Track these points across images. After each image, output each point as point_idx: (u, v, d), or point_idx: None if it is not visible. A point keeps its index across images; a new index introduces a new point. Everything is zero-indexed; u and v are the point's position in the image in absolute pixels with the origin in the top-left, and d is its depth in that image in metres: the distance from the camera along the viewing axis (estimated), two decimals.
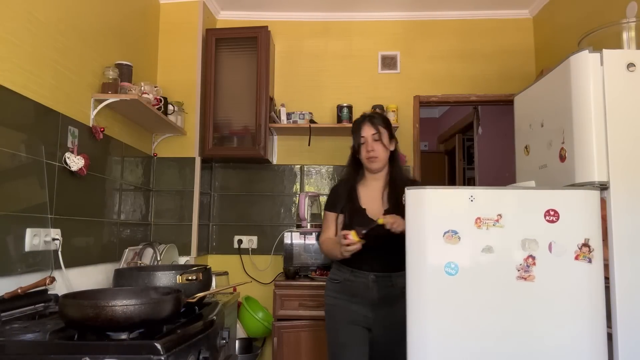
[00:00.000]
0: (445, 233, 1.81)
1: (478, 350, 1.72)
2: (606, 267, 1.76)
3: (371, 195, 2.06)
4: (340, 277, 2.04)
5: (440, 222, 1.80)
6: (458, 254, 1.78)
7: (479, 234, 1.78)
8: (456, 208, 1.81)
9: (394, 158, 2.11)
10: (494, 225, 1.81)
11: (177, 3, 3.11)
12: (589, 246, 1.73)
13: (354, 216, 2.00)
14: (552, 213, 1.78)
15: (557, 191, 1.81)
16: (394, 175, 2.08)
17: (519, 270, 1.77)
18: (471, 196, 1.80)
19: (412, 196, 1.81)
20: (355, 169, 2.11)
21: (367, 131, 2.04)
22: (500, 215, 1.80)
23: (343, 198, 2.07)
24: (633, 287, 1.70)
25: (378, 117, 2.09)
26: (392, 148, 2.09)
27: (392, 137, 2.09)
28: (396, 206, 1.95)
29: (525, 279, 1.76)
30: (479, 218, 1.81)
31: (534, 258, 1.76)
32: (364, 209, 2.02)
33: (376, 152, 2.02)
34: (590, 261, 1.73)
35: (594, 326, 1.71)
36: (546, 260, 1.76)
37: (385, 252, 1.95)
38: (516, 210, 1.80)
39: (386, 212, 1.96)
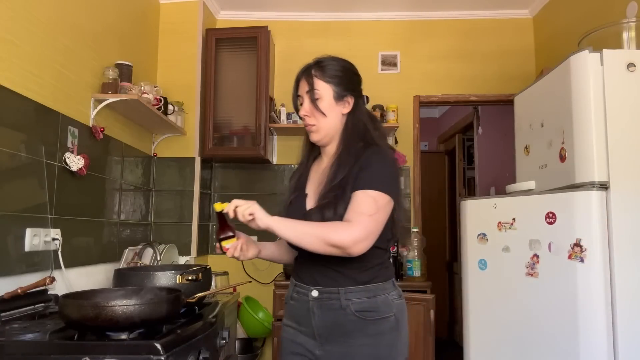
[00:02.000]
0: (478, 235, 2.17)
1: (502, 332, 2.02)
2: None
3: (317, 177, 1.45)
4: (287, 296, 1.47)
5: (475, 226, 2.18)
6: (486, 252, 2.12)
7: (499, 236, 2.07)
8: (485, 214, 2.15)
9: (347, 123, 1.41)
10: (510, 227, 2.05)
11: (177, 3, 3.11)
12: (580, 246, 1.75)
13: (290, 206, 1.44)
14: (551, 215, 1.85)
15: (555, 194, 1.87)
16: (342, 147, 1.40)
17: (527, 267, 1.94)
18: (494, 204, 2.11)
19: (462, 207, 2.25)
20: (308, 143, 1.51)
21: (303, 88, 1.42)
22: (514, 219, 2.03)
23: (293, 183, 1.52)
24: (633, 287, 1.70)
25: (327, 64, 1.41)
26: (345, 110, 1.41)
27: (348, 92, 1.40)
28: (332, 189, 1.33)
29: (532, 275, 1.93)
30: (500, 222, 2.08)
31: (538, 257, 1.89)
32: (306, 195, 1.43)
33: (312, 118, 1.40)
34: (582, 260, 1.74)
35: (587, 324, 1.72)
36: (547, 259, 1.87)
37: (334, 256, 1.28)
38: (525, 214, 1.98)
39: (321, 198, 1.35)
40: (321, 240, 1.24)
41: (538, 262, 1.90)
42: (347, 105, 1.41)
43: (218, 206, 1.27)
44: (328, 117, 1.39)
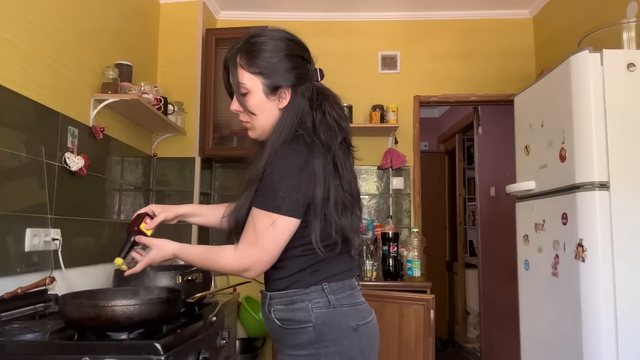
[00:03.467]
0: (523, 237, 2.24)
1: (541, 324, 2.06)
2: None
3: None
4: None
5: (521, 228, 2.27)
6: (528, 253, 2.20)
7: (536, 237, 2.13)
8: (526, 216, 2.21)
9: (279, 120, 1.19)
10: (541, 229, 2.08)
11: (177, 3, 3.11)
12: (582, 246, 1.76)
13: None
14: (564, 216, 1.87)
15: (566, 195, 1.87)
16: (266, 147, 1.19)
17: (552, 267, 1.98)
18: (532, 206, 2.16)
19: (516, 209, 2.33)
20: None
21: (231, 76, 1.20)
22: (544, 220, 2.06)
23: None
24: (633, 287, 1.70)
25: (256, 49, 1.17)
26: (281, 105, 1.19)
27: (283, 83, 1.17)
28: (240, 195, 1.21)
29: (555, 275, 1.96)
30: (536, 223, 2.13)
31: (558, 257, 1.90)
32: None
33: (244, 115, 1.22)
34: (583, 260, 1.75)
35: (590, 324, 1.72)
36: (563, 259, 1.92)
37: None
38: (550, 215, 2.01)
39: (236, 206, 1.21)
40: (214, 267, 1.20)
41: (558, 262, 1.93)
42: (283, 99, 1.19)
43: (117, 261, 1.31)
44: (259, 116, 1.19)
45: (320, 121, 1.18)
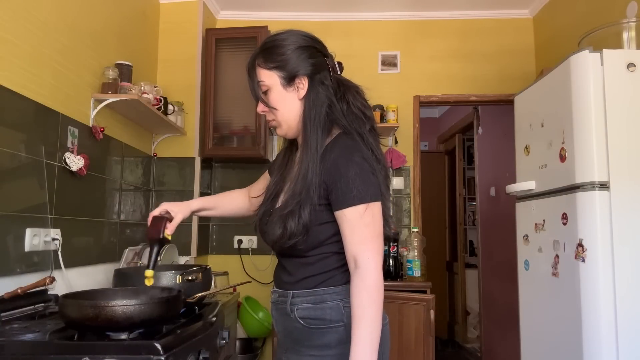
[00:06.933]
0: (523, 237, 2.25)
1: (542, 324, 2.06)
2: None
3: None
4: None
5: (521, 228, 2.27)
6: (528, 253, 2.21)
7: (536, 237, 2.13)
8: (526, 216, 2.22)
9: (304, 111, 1.20)
10: (541, 229, 2.08)
11: (177, 3, 3.11)
12: (582, 246, 1.76)
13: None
14: (564, 216, 1.87)
15: (566, 195, 1.88)
16: (302, 143, 1.21)
17: (552, 267, 1.98)
18: (532, 206, 2.17)
19: (516, 208, 2.34)
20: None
21: (253, 80, 1.25)
22: (544, 220, 2.06)
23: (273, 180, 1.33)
24: (633, 287, 1.70)
25: (269, 47, 1.21)
26: (300, 95, 1.21)
27: (298, 72, 1.19)
28: (294, 195, 1.16)
29: (555, 275, 1.96)
30: (536, 223, 2.13)
31: (558, 257, 1.91)
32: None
33: (269, 114, 1.24)
34: (583, 260, 1.75)
35: (588, 324, 1.72)
36: (563, 259, 1.93)
37: (284, 253, 1.23)
38: (550, 215, 2.01)
39: (282, 207, 1.19)
40: (379, 303, 1.09)
41: (558, 262, 1.93)
42: (301, 89, 1.20)
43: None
44: (281, 110, 1.21)
45: (347, 112, 1.20)
